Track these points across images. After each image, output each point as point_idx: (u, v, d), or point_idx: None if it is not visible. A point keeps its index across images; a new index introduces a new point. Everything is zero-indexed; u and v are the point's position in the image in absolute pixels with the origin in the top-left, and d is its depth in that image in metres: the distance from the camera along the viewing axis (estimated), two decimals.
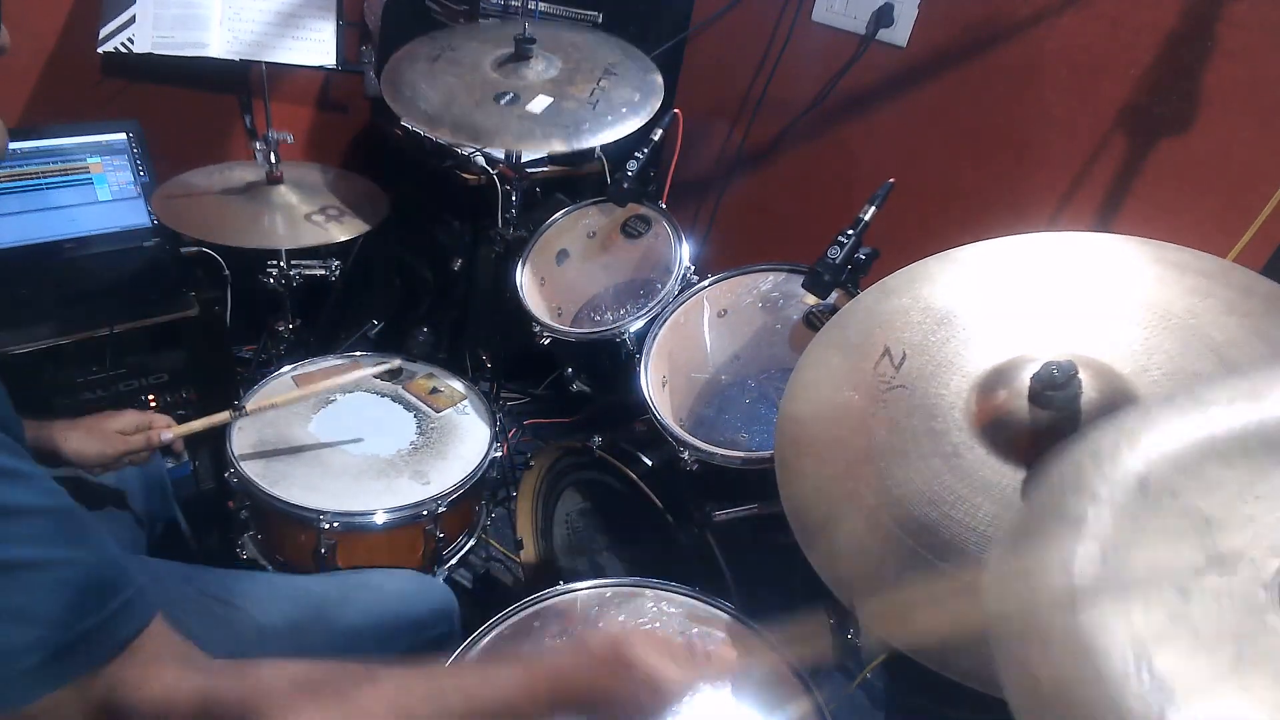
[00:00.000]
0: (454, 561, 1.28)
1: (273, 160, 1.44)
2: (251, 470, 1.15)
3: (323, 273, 1.59)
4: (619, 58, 1.41)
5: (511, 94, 1.26)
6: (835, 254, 1.08)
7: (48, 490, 0.55)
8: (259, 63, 1.59)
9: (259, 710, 0.56)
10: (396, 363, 1.35)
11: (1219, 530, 0.42)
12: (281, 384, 1.35)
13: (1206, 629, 0.38)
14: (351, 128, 2.15)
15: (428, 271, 2.01)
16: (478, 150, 1.77)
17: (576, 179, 1.93)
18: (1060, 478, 0.48)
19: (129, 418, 1.02)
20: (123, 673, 0.54)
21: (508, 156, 1.58)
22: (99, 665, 0.53)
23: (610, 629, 0.84)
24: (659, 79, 1.36)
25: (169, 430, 1.04)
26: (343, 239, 1.40)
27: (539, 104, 1.26)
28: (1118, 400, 0.67)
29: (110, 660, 0.54)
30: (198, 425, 1.10)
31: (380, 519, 1.13)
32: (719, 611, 0.96)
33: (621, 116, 1.28)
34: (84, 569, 0.54)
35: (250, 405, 1.18)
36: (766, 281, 1.29)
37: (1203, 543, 0.42)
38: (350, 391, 1.35)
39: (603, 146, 1.90)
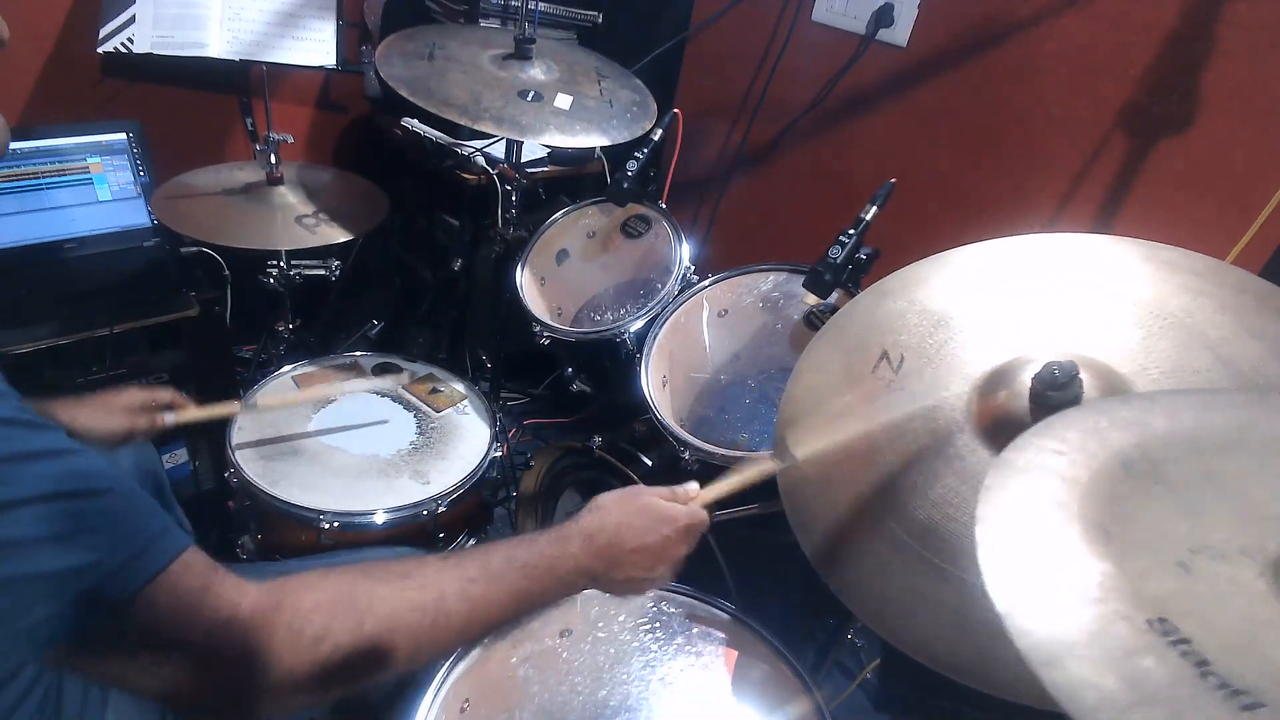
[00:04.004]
0: None
1: (273, 161, 1.44)
2: (251, 470, 1.15)
3: (323, 273, 1.59)
4: (601, 63, 1.45)
5: (534, 91, 1.28)
6: (836, 254, 1.08)
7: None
8: (259, 63, 1.59)
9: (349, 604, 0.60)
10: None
11: (1208, 521, 0.42)
12: (282, 384, 1.35)
13: (1225, 610, 0.37)
14: (351, 128, 2.15)
15: (428, 271, 2.01)
16: (478, 150, 1.77)
17: (576, 179, 1.93)
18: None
19: (134, 395, 1.03)
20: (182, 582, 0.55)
21: (508, 156, 1.58)
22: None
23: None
24: (640, 83, 1.42)
25: (173, 415, 1.05)
26: (343, 239, 1.41)
27: (564, 101, 1.27)
28: None
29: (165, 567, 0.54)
30: (203, 414, 1.10)
31: (380, 519, 1.13)
32: (719, 611, 0.96)
33: (635, 115, 1.32)
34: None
35: (260, 399, 1.19)
36: (766, 281, 1.29)
37: (1191, 528, 0.42)
38: (351, 392, 1.35)
39: (603, 146, 1.92)
